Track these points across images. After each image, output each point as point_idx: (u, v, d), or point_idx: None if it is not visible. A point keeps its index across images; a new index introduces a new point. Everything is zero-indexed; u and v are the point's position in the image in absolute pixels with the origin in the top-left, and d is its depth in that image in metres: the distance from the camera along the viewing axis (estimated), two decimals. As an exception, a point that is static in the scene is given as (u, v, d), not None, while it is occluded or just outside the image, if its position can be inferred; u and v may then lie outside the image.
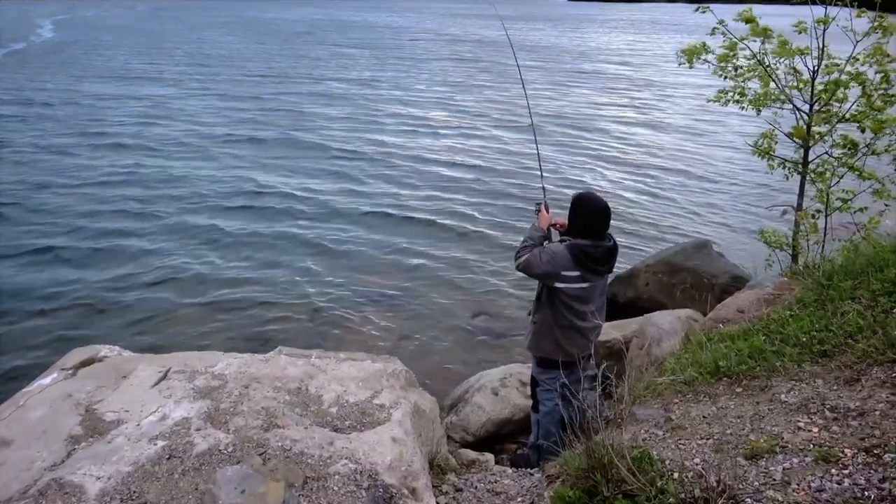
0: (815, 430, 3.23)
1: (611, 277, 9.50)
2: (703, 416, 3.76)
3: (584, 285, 4.58)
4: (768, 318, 4.66)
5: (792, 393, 3.63)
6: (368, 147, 18.38)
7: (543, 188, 5.26)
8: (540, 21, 64.01)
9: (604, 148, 18.75)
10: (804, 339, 4.10)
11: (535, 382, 5.13)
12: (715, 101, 7.02)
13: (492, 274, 10.22)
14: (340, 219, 12.99)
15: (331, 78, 30.93)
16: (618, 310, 8.86)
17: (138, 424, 3.82)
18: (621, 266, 9.94)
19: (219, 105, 23.99)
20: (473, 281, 10.06)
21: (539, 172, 5.34)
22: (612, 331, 6.91)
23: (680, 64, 6.86)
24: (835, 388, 3.54)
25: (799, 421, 3.34)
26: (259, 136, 19.23)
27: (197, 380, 4.30)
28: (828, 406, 3.38)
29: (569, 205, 4.64)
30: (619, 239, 10.08)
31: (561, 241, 4.79)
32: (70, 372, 4.44)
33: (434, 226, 12.60)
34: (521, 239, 4.90)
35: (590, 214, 4.56)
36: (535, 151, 5.58)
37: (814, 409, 3.40)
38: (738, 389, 3.94)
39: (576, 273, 4.52)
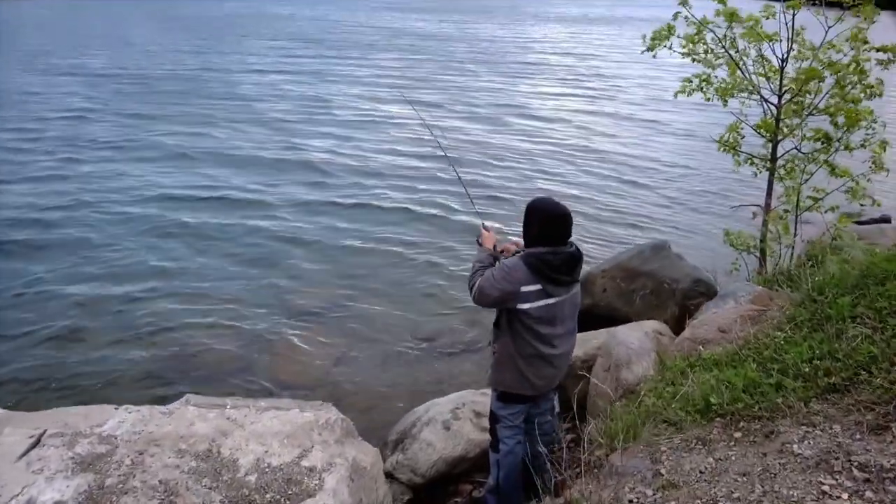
0: (845, 496, 2.63)
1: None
2: (700, 471, 3.13)
3: (550, 301, 3.91)
4: (757, 341, 4.08)
5: (806, 443, 3.03)
6: (309, 146, 17.37)
7: (477, 211, 4.64)
8: (475, 13, 63.22)
9: (553, 142, 18.09)
10: (807, 370, 3.52)
11: (494, 418, 4.44)
12: (681, 93, 6.45)
13: (442, 287, 9.44)
14: (268, 222, 11.96)
15: (274, 71, 29.48)
16: (574, 319, 8.29)
17: (-5, 515, 2.98)
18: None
19: (154, 101, 22.45)
20: (421, 294, 9.26)
21: (468, 198, 4.71)
22: (572, 347, 6.30)
23: (643, 52, 6.27)
24: (858, 437, 2.95)
25: (822, 482, 2.74)
26: (167, 144, 17.69)
27: (79, 445, 3.46)
28: (855, 463, 2.78)
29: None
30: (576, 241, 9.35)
31: (514, 254, 4.14)
32: (-86, 441, 3.54)
33: (374, 229, 11.73)
34: (471, 267, 4.22)
35: (546, 220, 3.91)
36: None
37: (837, 467, 2.80)
38: (737, 434, 3.33)
39: (536, 287, 3.85)
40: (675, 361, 4.36)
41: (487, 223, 4.48)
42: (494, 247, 4.32)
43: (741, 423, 3.39)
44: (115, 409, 3.81)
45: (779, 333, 4.02)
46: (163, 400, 4.71)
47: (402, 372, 7.38)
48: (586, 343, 6.28)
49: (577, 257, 3.98)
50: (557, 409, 4.75)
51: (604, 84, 27.48)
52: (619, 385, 4.95)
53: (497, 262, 4.21)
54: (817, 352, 3.62)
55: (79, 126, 18.68)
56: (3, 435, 3.51)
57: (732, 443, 3.28)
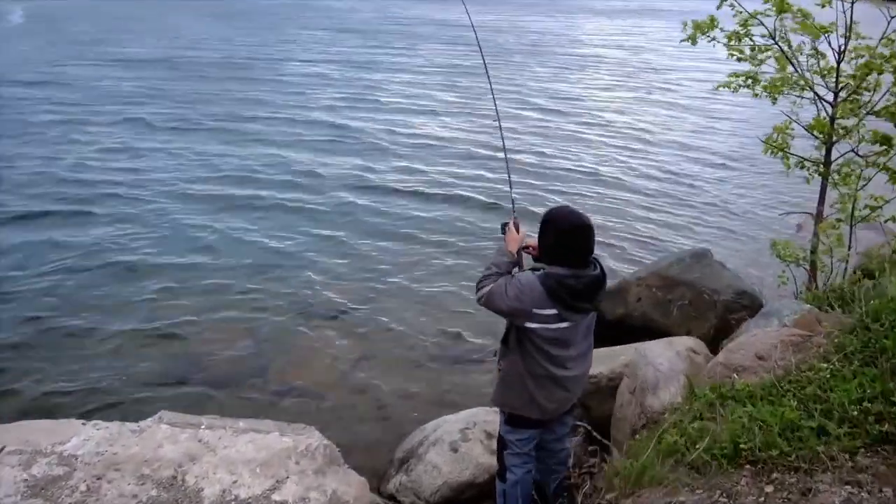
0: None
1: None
2: (722, 532, 2.67)
3: (563, 325, 3.49)
4: (799, 373, 3.58)
5: (850, 508, 2.54)
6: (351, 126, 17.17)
7: (513, 200, 4.15)
8: (518, 5, 61.89)
9: (592, 139, 17.40)
10: (855, 413, 3.02)
11: (502, 444, 4.03)
12: (725, 87, 5.89)
13: (462, 287, 8.97)
14: (284, 214, 11.67)
15: (324, 60, 29.30)
16: (604, 329, 7.78)
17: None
18: (609, 277, 8.85)
19: (203, 88, 22.52)
20: (448, 297, 8.82)
21: (507, 179, 4.22)
22: (598, 364, 5.82)
23: (682, 41, 5.74)
24: (914, 505, 2.45)
25: (867, 562, 2.26)
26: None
27: (36, 466, 3.18)
28: (909, 540, 2.29)
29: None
30: (608, 247, 8.88)
31: (534, 269, 3.68)
32: None
33: (411, 221, 11.36)
34: (485, 266, 3.79)
35: (566, 235, 3.46)
36: (503, 147, 4.48)
37: (887, 543, 2.31)
38: (769, 488, 2.86)
39: (551, 311, 3.42)
40: (704, 391, 3.87)
41: (518, 219, 3.87)
42: (519, 251, 3.87)
43: (774, 475, 2.92)
44: (83, 424, 3.53)
45: (824, 365, 3.51)
46: (139, 412, 4.41)
47: (420, 380, 7.01)
48: (614, 359, 5.82)
49: (600, 282, 3.53)
50: (570, 434, 4.33)
51: (654, 77, 26.57)
52: (643, 412, 4.48)
53: (515, 270, 3.80)
54: (868, 392, 3.11)
55: (128, 110, 18.81)
56: (-42, 451, 3.26)
57: (762, 498, 2.82)
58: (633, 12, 57.76)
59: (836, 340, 3.72)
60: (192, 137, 16.47)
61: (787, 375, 3.59)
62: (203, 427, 3.49)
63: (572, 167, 14.67)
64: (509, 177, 4.35)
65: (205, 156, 14.95)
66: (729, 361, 4.11)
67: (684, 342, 5.46)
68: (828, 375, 3.41)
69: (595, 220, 11.22)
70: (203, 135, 16.78)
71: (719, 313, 7.03)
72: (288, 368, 7.22)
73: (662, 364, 4.76)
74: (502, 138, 4.63)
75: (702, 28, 5.54)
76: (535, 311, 3.43)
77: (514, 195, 4.27)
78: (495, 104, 4.83)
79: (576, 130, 18.19)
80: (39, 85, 22.15)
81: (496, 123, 5.18)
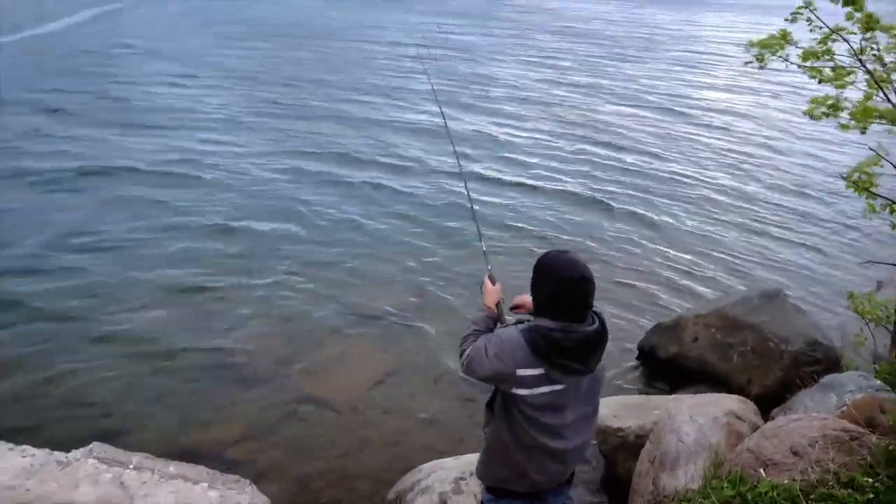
0: None
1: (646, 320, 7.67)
2: None
3: (556, 388, 2.88)
4: (837, 485, 2.86)
5: None
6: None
7: (484, 252, 3.59)
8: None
9: (688, 145, 16.30)
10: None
11: (483, 513, 3.48)
12: (808, 114, 5.04)
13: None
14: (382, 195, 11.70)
15: (435, 45, 28.98)
16: (655, 367, 7.09)
17: None
18: (666, 310, 8.06)
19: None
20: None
21: (474, 221, 3.70)
22: (629, 416, 5.19)
23: (747, 63, 4.95)
24: None
25: None
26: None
27: (-57, 495, 2.92)
28: None
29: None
30: (664, 278, 8.05)
31: (518, 321, 3.11)
32: None
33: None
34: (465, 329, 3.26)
35: (557, 284, 2.83)
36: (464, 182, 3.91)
37: None
38: None
39: (537, 371, 2.83)
40: (721, 485, 3.21)
41: (492, 272, 3.37)
42: (498, 304, 3.32)
43: None
44: (10, 449, 3.27)
45: (868, 481, 2.79)
46: (82, 437, 4.12)
47: (439, 409, 6.52)
48: (647, 412, 5.18)
49: (596, 339, 2.89)
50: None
51: (768, 85, 24.57)
52: (655, 490, 3.85)
53: (499, 325, 3.25)
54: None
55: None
56: None
57: None
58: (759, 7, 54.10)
59: (889, 447, 2.97)
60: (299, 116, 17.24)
61: (820, 486, 2.89)
62: (131, 467, 3.17)
63: (647, 174, 13.74)
64: (474, 215, 3.82)
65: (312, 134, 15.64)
66: (759, 451, 3.40)
67: (726, 404, 4.73)
68: (870, 495, 2.70)
69: (657, 240, 10.22)
70: (314, 114, 17.52)
71: (786, 365, 6.22)
72: (310, 375, 6.93)
73: (688, 435, 4.09)
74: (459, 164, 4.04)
75: (770, 47, 4.73)
76: (520, 372, 2.86)
77: (484, 247, 3.67)
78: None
79: (666, 130, 17.28)
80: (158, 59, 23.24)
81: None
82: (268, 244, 9.87)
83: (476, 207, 10.57)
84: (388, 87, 20.93)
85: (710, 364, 6.60)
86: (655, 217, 11.54)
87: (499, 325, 3.23)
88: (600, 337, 2.87)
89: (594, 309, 2.94)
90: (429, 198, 12.00)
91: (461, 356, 3.11)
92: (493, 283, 3.26)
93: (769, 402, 5.58)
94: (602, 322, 2.90)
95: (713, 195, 12.88)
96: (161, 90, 19.19)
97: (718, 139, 17.06)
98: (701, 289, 8.88)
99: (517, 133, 16.70)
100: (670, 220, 11.47)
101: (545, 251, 3.05)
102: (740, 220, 11.68)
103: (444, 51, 27.46)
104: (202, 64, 23.26)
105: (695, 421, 4.26)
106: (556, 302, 2.85)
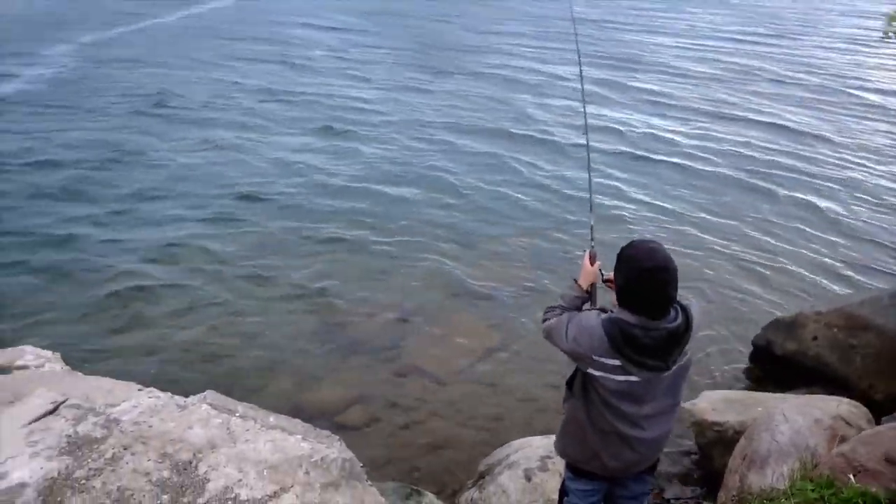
0: None
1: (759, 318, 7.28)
2: None
3: (632, 379, 2.89)
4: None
5: None
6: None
7: (591, 227, 3.53)
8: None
9: (779, 144, 14.91)
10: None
11: (563, 490, 3.52)
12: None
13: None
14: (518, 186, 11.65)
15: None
16: (770, 363, 6.79)
17: (-37, 483, 2.99)
18: (783, 305, 7.66)
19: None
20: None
21: (588, 197, 3.63)
22: (729, 410, 5.06)
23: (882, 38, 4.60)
24: None
25: None
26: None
27: (83, 423, 3.40)
28: None
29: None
30: (787, 270, 7.64)
31: (603, 309, 3.09)
32: (-32, 383, 3.77)
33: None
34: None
35: (637, 277, 2.78)
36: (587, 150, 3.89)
37: None
38: None
39: (614, 362, 2.86)
40: (806, 486, 3.12)
41: (595, 250, 3.30)
42: (592, 286, 3.33)
43: None
44: (139, 390, 3.72)
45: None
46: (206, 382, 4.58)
47: (539, 389, 6.61)
48: (749, 408, 5.03)
49: (677, 336, 2.85)
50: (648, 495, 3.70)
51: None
52: (741, 487, 3.77)
53: (586, 306, 3.28)
54: None
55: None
56: (32, 396, 3.58)
57: None
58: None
59: None
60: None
61: (909, 496, 2.76)
62: (237, 415, 3.51)
63: (756, 163, 12.95)
64: (591, 193, 3.73)
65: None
66: (853, 456, 3.26)
67: (834, 407, 4.50)
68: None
69: (799, 229, 9.57)
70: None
71: (913, 372, 5.79)
72: (417, 349, 7.20)
73: (783, 434, 3.95)
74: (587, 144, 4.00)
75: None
76: (595, 357, 2.91)
77: (592, 222, 3.62)
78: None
79: (830, 112, 16.14)
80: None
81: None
82: (402, 210, 10.54)
83: (601, 180, 10.52)
84: (535, 56, 21.43)
85: (829, 365, 6.25)
86: (803, 205, 10.89)
87: (588, 304, 3.25)
88: (681, 334, 2.81)
89: (681, 301, 2.89)
90: (570, 178, 11.96)
91: (542, 322, 3.16)
92: (593, 262, 3.23)
93: (893, 411, 5.25)
94: (687, 317, 2.85)
95: (880, 182, 11.90)
96: (321, 62, 21.25)
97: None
98: (819, 286, 8.35)
99: (668, 112, 16.40)
100: (822, 208, 10.73)
101: (631, 240, 3.01)
102: (864, 214, 10.66)
103: (594, 25, 27.12)
104: (352, 41, 24.91)
105: (793, 421, 4.11)
106: (632, 291, 2.82)
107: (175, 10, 30.05)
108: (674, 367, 2.89)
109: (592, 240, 3.39)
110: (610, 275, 3.18)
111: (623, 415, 2.95)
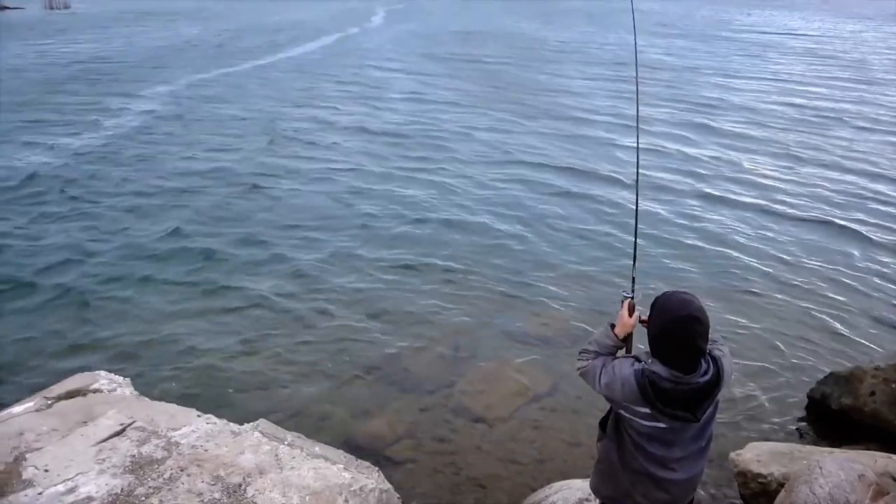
0: None
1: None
2: None
3: (660, 425, 3.00)
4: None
5: None
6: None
7: (633, 278, 3.48)
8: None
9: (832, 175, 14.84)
10: None
11: (598, 529, 3.63)
12: None
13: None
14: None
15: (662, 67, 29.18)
16: (824, 418, 6.65)
17: (40, 493, 3.31)
18: (840, 359, 7.47)
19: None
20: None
21: (633, 242, 3.65)
22: (774, 463, 5.01)
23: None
24: None
25: None
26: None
27: (147, 445, 3.71)
28: None
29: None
30: (843, 322, 7.49)
31: (637, 358, 3.17)
32: (49, 402, 4.13)
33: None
34: (589, 341, 3.39)
35: (667, 327, 2.91)
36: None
37: None
38: None
39: (644, 409, 2.97)
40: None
41: (633, 301, 3.26)
42: (628, 337, 3.39)
43: None
44: (198, 416, 4.01)
45: None
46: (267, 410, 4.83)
47: (585, 433, 6.58)
48: (794, 461, 4.96)
49: (707, 390, 2.93)
50: None
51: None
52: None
53: (621, 352, 3.38)
54: None
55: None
56: (103, 418, 3.92)
57: None
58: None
59: None
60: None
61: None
62: (286, 443, 3.76)
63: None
64: (636, 238, 3.73)
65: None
66: (887, 512, 3.24)
67: (883, 463, 4.45)
68: None
69: (829, 280, 9.39)
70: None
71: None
72: (467, 388, 7.32)
73: (822, 488, 3.93)
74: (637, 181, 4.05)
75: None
76: (626, 404, 3.03)
77: (634, 274, 3.61)
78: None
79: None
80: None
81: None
82: (463, 246, 10.93)
83: (643, 226, 10.49)
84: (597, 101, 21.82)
85: (888, 422, 6.07)
86: (870, 257, 10.62)
87: (622, 352, 3.32)
88: (711, 388, 2.90)
89: (713, 352, 2.98)
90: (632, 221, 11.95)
91: (578, 363, 3.27)
92: (631, 313, 3.22)
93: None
94: (718, 370, 2.93)
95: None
96: (399, 104, 22.73)
97: None
98: (878, 338, 8.07)
99: (753, 157, 16.40)
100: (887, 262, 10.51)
101: (664, 291, 3.10)
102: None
103: (669, 70, 27.33)
104: (431, 80, 26.86)
105: (833, 475, 4.07)
106: (664, 340, 2.92)
107: (265, 55, 32.63)
108: (703, 418, 2.99)
109: (633, 290, 3.42)
110: (647, 315, 3.24)
111: (653, 457, 3.04)
